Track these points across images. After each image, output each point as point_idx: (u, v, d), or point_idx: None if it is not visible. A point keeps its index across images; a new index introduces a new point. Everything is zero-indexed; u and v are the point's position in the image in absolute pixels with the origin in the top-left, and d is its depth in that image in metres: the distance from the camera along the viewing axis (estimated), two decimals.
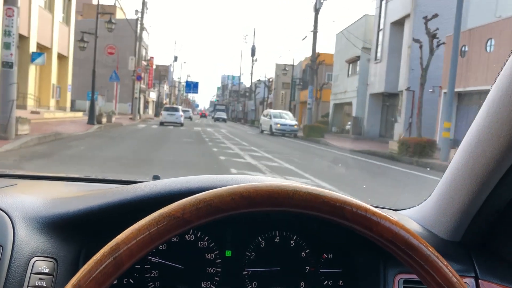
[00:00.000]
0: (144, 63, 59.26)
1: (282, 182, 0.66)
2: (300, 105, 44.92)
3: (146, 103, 55.50)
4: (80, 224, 0.89)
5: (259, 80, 56.96)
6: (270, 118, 25.29)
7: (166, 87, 78.83)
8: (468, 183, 0.93)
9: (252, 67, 54.85)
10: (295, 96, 46.45)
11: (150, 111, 57.95)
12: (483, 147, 0.88)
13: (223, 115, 54.08)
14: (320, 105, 37.51)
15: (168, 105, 35.96)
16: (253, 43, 57.24)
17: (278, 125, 24.49)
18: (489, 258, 0.97)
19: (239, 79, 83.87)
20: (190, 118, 54.33)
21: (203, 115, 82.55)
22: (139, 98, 61.07)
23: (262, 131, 25.97)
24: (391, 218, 0.66)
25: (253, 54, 54.12)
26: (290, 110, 43.32)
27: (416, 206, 1.19)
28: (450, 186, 0.99)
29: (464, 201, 0.94)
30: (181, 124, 27.74)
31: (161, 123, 26.90)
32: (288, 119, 25.87)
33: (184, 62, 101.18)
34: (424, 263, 0.66)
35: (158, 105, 74.52)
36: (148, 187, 0.95)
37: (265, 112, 27.29)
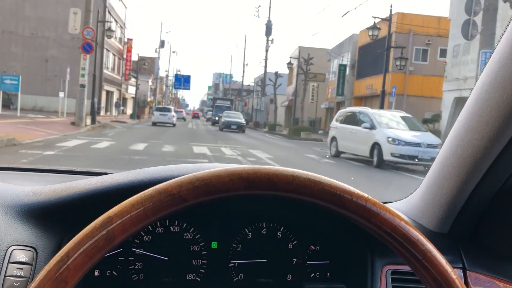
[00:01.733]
0: (115, 42, 39.03)
1: (283, 168, 0.69)
2: (354, 101, 33.74)
3: (120, 100, 46.63)
4: (61, 213, 0.97)
5: (276, 73, 44.97)
6: (374, 129, 12.26)
7: (150, 82, 71.73)
8: (456, 173, 1.00)
9: (267, 52, 36.65)
10: (343, 89, 35.09)
11: (129, 110, 50.64)
12: (471, 135, 0.94)
13: (237, 117, 32.78)
14: (405, 100, 19.41)
15: (161, 106, 42.10)
16: (269, 17, 39.12)
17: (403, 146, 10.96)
18: (477, 249, 1.07)
19: (231, 77, 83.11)
20: (184, 119, 55.73)
21: (195, 116, 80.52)
22: (110, 94, 41.38)
23: (335, 154, 14.01)
24: (392, 210, 0.68)
25: (268, 32, 36.06)
26: (334, 111, 32.71)
27: (404, 199, 1.26)
28: (438, 175, 1.06)
29: (452, 191, 1.02)
30: (174, 125, 31.46)
31: (153, 123, 30.99)
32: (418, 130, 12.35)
33: (174, 52, 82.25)
34: (422, 257, 0.67)
35: (139, 104, 56.08)
36: (131, 175, 1.03)
37: (360, 114, 13.75)
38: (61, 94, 24.70)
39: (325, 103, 38.79)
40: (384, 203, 1.29)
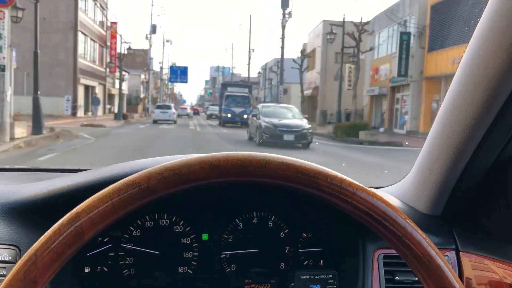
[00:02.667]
0: (95, 26, 38.19)
1: (254, 152, 0.73)
2: (427, 84, 23.42)
3: (105, 96, 39.68)
4: (43, 210, 1.03)
5: (303, 51, 36.87)
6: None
7: (143, 76, 65.10)
8: (445, 153, 1.06)
9: (284, 28, 26.76)
10: (406, 67, 24.60)
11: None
12: (458, 113, 0.99)
13: (292, 115, 17.40)
14: None
15: (161, 103, 42.32)
16: None
17: None
18: (469, 230, 1.15)
19: (233, 67, 70.66)
20: (188, 115, 54.89)
21: (195, 111, 75.17)
22: (91, 89, 33.05)
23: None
24: (368, 189, 0.73)
25: (285, 4, 25.97)
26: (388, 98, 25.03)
27: (397, 183, 1.33)
28: (428, 157, 1.13)
29: (442, 172, 1.09)
30: (174, 122, 33.81)
31: (154, 121, 33.10)
32: None
33: (168, 41, 72.32)
34: (402, 235, 0.70)
35: (131, 101, 46.50)
36: (114, 169, 1.07)
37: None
38: None
39: (371, 89, 30.61)
40: (377, 188, 1.39)
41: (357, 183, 0.68)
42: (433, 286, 0.64)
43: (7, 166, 1.56)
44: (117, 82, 44.92)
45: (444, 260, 0.66)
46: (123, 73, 48.75)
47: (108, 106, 42.14)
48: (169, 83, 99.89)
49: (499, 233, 1.08)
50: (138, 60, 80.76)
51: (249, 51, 55.82)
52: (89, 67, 34.21)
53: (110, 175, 1.03)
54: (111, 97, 44.49)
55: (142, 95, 66.81)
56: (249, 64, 54.92)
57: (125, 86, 49.32)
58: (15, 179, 1.27)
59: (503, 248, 1.05)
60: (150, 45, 54.75)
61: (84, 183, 1.02)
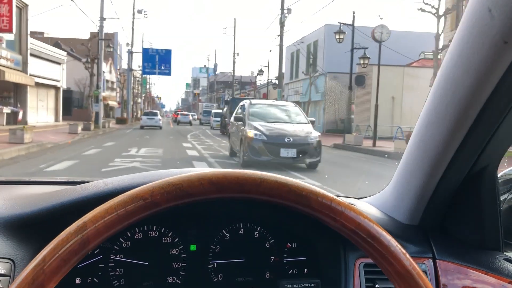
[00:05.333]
0: None
1: (251, 171, 0.79)
2: None
3: None
4: (37, 224, 1.05)
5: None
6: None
7: (107, 68, 48.90)
8: (421, 166, 1.12)
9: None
10: None
11: (42, 111, 31.01)
12: (432, 129, 1.05)
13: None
14: None
15: (147, 110, 46.42)
16: None
17: None
18: (446, 239, 1.20)
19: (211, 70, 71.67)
20: (190, 123, 49.74)
21: (183, 119, 52.47)
22: None
23: None
24: (356, 208, 0.79)
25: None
26: None
27: (377, 194, 1.38)
28: (405, 170, 1.18)
29: (419, 184, 1.14)
30: (160, 127, 36.65)
31: (141, 127, 35.94)
32: None
33: (139, 12, 52.33)
34: (385, 252, 0.73)
35: (78, 102, 30.34)
36: (107, 183, 1.10)
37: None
38: None
39: None
40: (359, 198, 1.45)
41: (345, 202, 0.74)
42: None
43: (4, 179, 1.53)
44: (43, 67, 28.55)
45: (423, 277, 0.72)
46: (60, 54, 32.74)
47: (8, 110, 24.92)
48: (145, 80, 77.23)
49: (473, 241, 1.15)
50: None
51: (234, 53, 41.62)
52: None
53: (107, 190, 1.05)
54: (22, 89, 26.12)
55: (102, 95, 50.78)
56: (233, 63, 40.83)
57: (60, 75, 34.70)
58: (12, 192, 1.29)
59: (476, 256, 1.12)
60: (102, 11, 29.60)
61: (81, 198, 1.04)
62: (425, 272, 1.13)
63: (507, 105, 0.94)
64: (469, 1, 0.88)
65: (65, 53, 36.13)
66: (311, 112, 31.68)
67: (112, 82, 63.56)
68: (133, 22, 50.46)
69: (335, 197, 0.73)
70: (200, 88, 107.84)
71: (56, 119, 34.97)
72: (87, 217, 0.66)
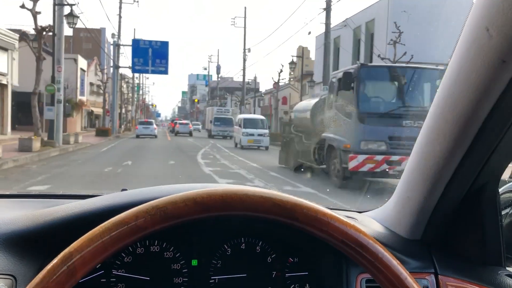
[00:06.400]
0: None
1: (236, 186, 0.80)
2: None
3: None
4: (39, 240, 1.05)
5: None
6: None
7: (91, 67, 42.43)
8: (421, 183, 1.12)
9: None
10: None
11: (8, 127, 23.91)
12: (432, 146, 1.06)
13: None
14: None
15: (142, 119, 46.24)
16: None
17: None
18: (448, 254, 1.20)
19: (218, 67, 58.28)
20: (190, 133, 44.28)
21: (182, 129, 44.77)
22: None
23: None
24: (341, 218, 0.79)
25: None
26: None
27: (379, 208, 1.38)
28: (406, 185, 1.19)
29: (420, 200, 1.14)
30: (155, 136, 37.10)
31: (137, 136, 36.47)
32: None
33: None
34: (374, 260, 0.76)
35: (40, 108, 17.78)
36: (108, 199, 1.10)
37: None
38: None
39: None
40: (361, 212, 1.43)
41: (331, 213, 0.74)
42: None
43: (7, 193, 1.50)
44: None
45: (413, 281, 0.72)
46: (9, 36, 21.95)
47: None
48: (138, 86, 70.76)
49: (474, 257, 1.15)
50: (85, 47, 53.19)
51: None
52: None
53: (111, 204, 1.04)
54: None
55: (84, 100, 40.10)
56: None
57: (7, 66, 23.62)
58: (15, 206, 1.27)
59: (478, 272, 1.12)
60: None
61: (86, 213, 1.03)
62: None
63: (506, 122, 0.94)
64: (467, 20, 0.89)
65: (16, 36, 24.04)
66: None
67: (98, 86, 53.52)
68: (120, 7, 40.65)
69: (321, 208, 0.74)
70: (198, 95, 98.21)
71: (2, 131, 23.83)
72: (72, 247, 0.65)
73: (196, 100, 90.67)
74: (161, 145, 26.50)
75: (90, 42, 51.71)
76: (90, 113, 50.08)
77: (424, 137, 1.06)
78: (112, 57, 39.89)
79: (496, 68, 0.83)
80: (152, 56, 37.79)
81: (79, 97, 42.13)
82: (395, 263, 0.71)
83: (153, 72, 39.00)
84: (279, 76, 37.80)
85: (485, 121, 0.92)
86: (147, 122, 39.90)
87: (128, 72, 55.14)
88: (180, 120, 59.65)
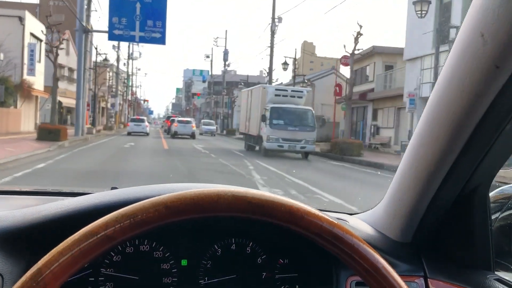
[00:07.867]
0: None
1: (210, 187, 0.79)
2: None
3: None
4: (27, 238, 1.04)
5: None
6: None
7: (62, 45, 26.64)
8: (413, 185, 1.13)
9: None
10: None
11: None
12: (424, 149, 1.07)
13: None
14: None
15: (134, 117, 46.11)
16: None
17: None
18: (438, 257, 1.20)
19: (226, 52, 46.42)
20: (193, 135, 36.16)
21: (183, 125, 36.39)
22: None
23: None
24: (315, 213, 0.80)
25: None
26: None
27: (370, 210, 1.37)
28: (398, 188, 1.19)
29: (411, 202, 1.15)
30: (147, 134, 37.92)
31: (129, 133, 37.15)
32: None
33: None
34: (351, 251, 0.77)
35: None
36: (97, 197, 1.10)
37: None
38: None
39: None
40: (352, 214, 1.43)
41: (305, 207, 0.74)
42: None
43: (14, 189, 1.48)
44: None
45: (389, 270, 0.73)
46: None
47: None
48: (129, 79, 61.53)
49: (464, 260, 1.16)
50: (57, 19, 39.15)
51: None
52: None
53: (100, 203, 1.04)
54: None
55: (32, 80, 26.41)
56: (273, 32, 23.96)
57: None
58: (3, 203, 1.25)
59: (467, 276, 1.12)
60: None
61: (72, 211, 1.02)
62: None
63: (498, 127, 0.95)
64: (461, 25, 0.90)
65: None
66: None
67: (71, 70, 40.91)
68: None
69: (294, 203, 0.74)
70: (193, 90, 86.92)
71: None
72: (41, 263, 0.64)
73: (198, 94, 77.28)
74: (154, 160, 15.14)
75: (63, 13, 38.03)
76: (59, 104, 36.64)
77: (416, 140, 1.06)
78: (77, 13, 24.50)
79: (490, 73, 0.83)
80: (141, 14, 24.00)
81: (26, 77, 28.72)
82: (371, 252, 0.73)
83: (143, 40, 24.76)
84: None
85: (477, 126, 0.93)
86: (139, 119, 40.83)
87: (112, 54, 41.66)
88: (178, 117, 46.62)
